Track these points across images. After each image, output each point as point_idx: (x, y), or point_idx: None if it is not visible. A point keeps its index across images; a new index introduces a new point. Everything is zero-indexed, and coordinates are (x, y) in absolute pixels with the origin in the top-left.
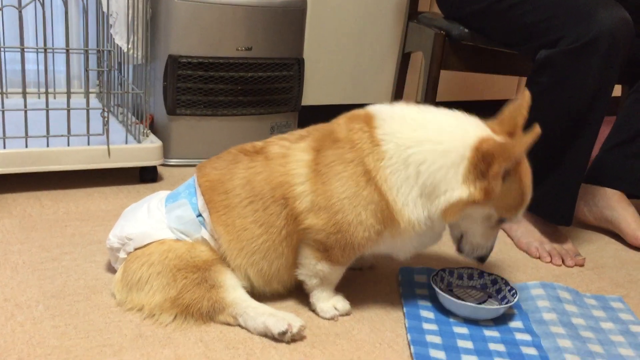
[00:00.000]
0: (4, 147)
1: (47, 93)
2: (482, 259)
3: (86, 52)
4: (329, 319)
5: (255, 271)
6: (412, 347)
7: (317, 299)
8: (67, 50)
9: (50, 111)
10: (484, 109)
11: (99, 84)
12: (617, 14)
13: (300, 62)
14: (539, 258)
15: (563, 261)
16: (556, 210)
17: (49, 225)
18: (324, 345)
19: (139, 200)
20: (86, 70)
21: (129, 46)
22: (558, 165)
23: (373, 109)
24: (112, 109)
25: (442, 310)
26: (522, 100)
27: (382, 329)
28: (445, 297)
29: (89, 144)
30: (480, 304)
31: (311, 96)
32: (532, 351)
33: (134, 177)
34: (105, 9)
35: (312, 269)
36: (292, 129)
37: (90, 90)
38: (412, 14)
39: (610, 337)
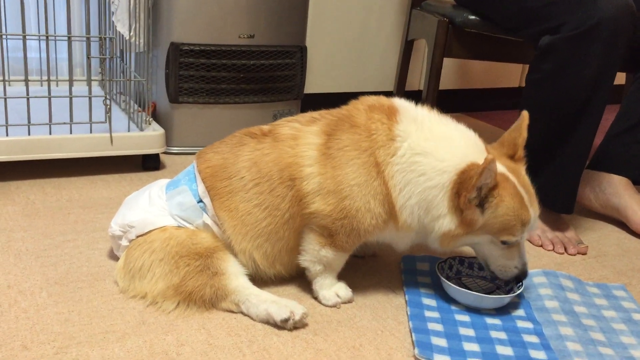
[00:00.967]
0: (7, 135)
1: (49, 80)
2: (518, 278)
3: (88, 39)
4: (331, 307)
5: (261, 254)
6: (413, 334)
7: (320, 287)
8: (69, 38)
9: (52, 99)
10: (488, 97)
11: (101, 71)
12: (620, 0)
13: (302, 50)
14: (541, 246)
15: (565, 249)
16: (558, 198)
17: (52, 213)
18: (326, 333)
19: (140, 189)
20: (88, 57)
21: (131, 34)
22: (559, 153)
23: (398, 103)
24: (114, 96)
25: (444, 298)
26: (520, 121)
27: (384, 317)
28: (449, 286)
29: (91, 132)
30: (487, 294)
31: (314, 84)
32: (533, 339)
33: (136, 164)
34: None
35: (316, 254)
36: None
37: (93, 78)
38: (416, 1)
39: (613, 325)
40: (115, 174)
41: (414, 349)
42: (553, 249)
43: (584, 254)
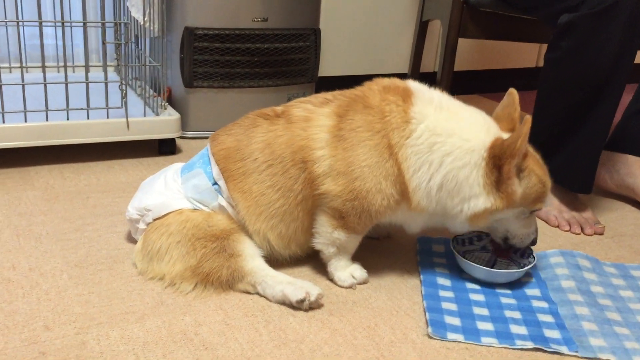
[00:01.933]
0: (25, 121)
1: (65, 67)
2: (533, 243)
3: (103, 25)
4: (346, 288)
5: (275, 234)
6: (427, 313)
7: (335, 268)
8: (85, 24)
9: (69, 85)
10: (504, 77)
11: (117, 57)
12: None
13: (316, 33)
14: (558, 227)
15: (582, 230)
16: (576, 178)
17: (71, 197)
18: (342, 313)
19: (156, 173)
20: (103, 43)
21: (145, 19)
22: (578, 132)
23: (413, 85)
24: (130, 82)
25: (459, 277)
26: (511, 97)
27: (399, 297)
28: (461, 260)
29: (108, 117)
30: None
31: (328, 67)
32: (548, 318)
33: (152, 149)
34: None
35: (329, 237)
36: None
37: (109, 63)
38: None
39: (629, 305)
40: (132, 158)
41: (427, 327)
42: (570, 230)
43: (601, 234)
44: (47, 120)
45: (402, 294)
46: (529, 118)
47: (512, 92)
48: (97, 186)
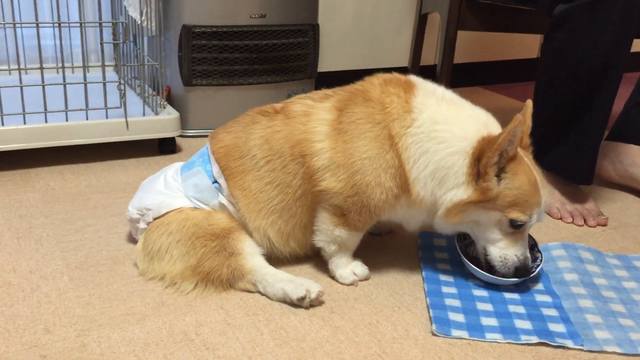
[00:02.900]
0: (25, 123)
1: (63, 68)
2: (519, 271)
3: (100, 25)
4: (348, 285)
5: (274, 231)
6: (431, 310)
7: (336, 266)
8: (81, 24)
9: (68, 86)
10: (505, 69)
11: (115, 57)
12: None
13: (315, 28)
14: (561, 219)
15: (585, 221)
16: (576, 169)
17: (72, 199)
18: (343, 310)
19: (157, 172)
20: (101, 43)
21: (143, 18)
22: (577, 123)
23: (415, 79)
24: (129, 81)
25: (461, 273)
26: (525, 110)
27: (401, 293)
28: (467, 264)
29: (107, 117)
30: None
31: (327, 62)
32: (552, 312)
33: (153, 148)
34: None
35: (330, 234)
36: None
37: (108, 63)
38: None
39: (633, 297)
40: (132, 158)
41: (431, 325)
42: (572, 222)
43: (604, 225)
44: (46, 121)
45: (403, 290)
46: (519, 117)
47: (527, 104)
48: (98, 187)
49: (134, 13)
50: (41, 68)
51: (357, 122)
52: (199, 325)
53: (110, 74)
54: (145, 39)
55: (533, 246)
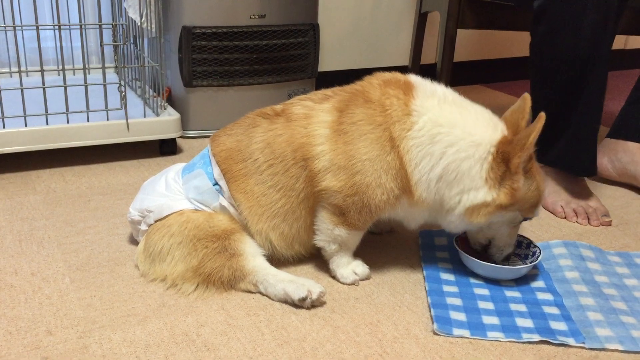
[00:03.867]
0: (26, 125)
1: (63, 70)
2: (507, 258)
3: (100, 27)
4: (349, 285)
5: (277, 234)
6: (432, 309)
7: (337, 265)
8: (81, 26)
9: (69, 88)
10: (505, 67)
11: (116, 58)
12: None
13: (315, 28)
14: (565, 218)
15: (589, 221)
16: (578, 161)
17: (73, 201)
18: (344, 310)
19: (157, 174)
20: (101, 45)
21: (142, 19)
22: (571, 116)
23: (415, 79)
24: (130, 83)
25: (462, 272)
26: (523, 103)
27: (402, 292)
28: (466, 257)
29: (108, 119)
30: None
31: (328, 62)
32: (554, 310)
33: (154, 150)
34: None
35: (330, 234)
36: None
37: (108, 65)
38: None
39: (634, 294)
40: (133, 159)
41: (432, 324)
42: (577, 220)
43: (608, 226)
44: (47, 123)
45: (404, 289)
46: (543, 115)
47: (525, 97)
48: (99, 188)
49: (134, 15)
50: (42, 70)
51: (358, 123)
52: (200, 326)
53: (111, 75)
54: (146, 40)
55: (529, 244)
